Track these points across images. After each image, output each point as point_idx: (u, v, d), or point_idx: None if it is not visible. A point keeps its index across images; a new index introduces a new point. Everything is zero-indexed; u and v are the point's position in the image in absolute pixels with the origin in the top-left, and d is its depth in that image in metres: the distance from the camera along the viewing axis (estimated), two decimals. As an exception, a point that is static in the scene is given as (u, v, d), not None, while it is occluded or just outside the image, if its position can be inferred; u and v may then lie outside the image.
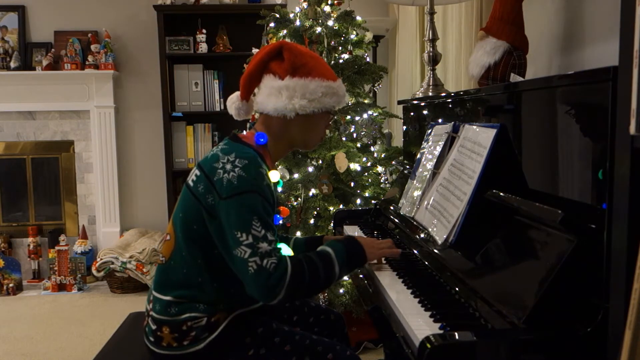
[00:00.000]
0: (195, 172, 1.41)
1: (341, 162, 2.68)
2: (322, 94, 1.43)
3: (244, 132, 1.55)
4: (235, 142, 1.44)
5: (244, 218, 1.30)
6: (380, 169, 2.88)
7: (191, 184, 1.40)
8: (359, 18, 2.92)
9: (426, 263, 1.52)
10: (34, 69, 4.30)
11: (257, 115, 1.56)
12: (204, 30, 4.25)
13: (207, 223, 1.36)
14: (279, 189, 1.59)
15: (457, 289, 1.30)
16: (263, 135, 1.47)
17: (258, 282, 1.29)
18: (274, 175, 1.46)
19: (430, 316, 1.20)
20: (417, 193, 1.77)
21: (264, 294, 1.30)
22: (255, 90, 1.51)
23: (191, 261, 1.39)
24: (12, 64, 4.28)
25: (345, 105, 1.55)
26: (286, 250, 1.55)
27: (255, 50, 2.98)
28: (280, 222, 1.68)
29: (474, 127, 1.53)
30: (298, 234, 2.61)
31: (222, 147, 1.41)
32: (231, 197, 1.31)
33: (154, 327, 1.41)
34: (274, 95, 1.42)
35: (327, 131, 1.58)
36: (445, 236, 1.43)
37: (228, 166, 1.33)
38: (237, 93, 1.54)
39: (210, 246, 1.37)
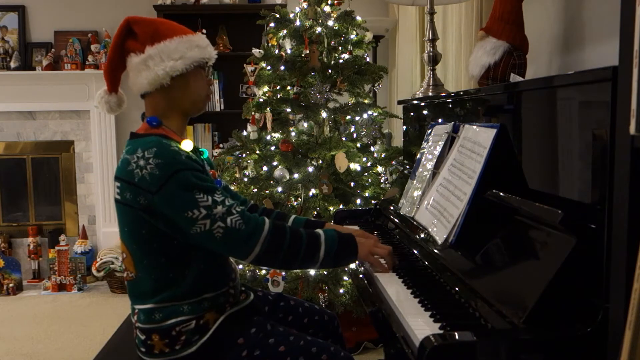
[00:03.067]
0: (116, 185, 1.39)
1: (341, 162, 2.68)
2: (185, 49, 1.44)
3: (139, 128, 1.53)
4: (134, 139, 1.43)
5: (186, 197, 1.31)
6: (380, 169, 2.88)
7: (118, 197, 1.39)
8: (359, 18, 2.92)
9: (426, 263, 1.52)
10: (34, 69, 4.30)
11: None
12: (204, 30, 4.24)
13: (152, 222, 1.35)
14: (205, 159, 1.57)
15: (457, 289, 1.30)
16: (153, 118, 1.46)
17: (230, 242, 1.32)
18: (187, 145, 1.44)
19: (430, 316, 1.20)
20: (417, 193, 1.78)
21: (239, 250, 1.33)
22: (121, 80, 1.52)
23: (155, 264, 1.38)
24: (12, 64, 4.28)
25: (214, 55, 1.56)
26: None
27: (255, 50, 2.98)
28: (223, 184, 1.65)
29: (474, 127, 1.53)
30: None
31: (127, 149, 1.39)
32: (162, 188, 1.31)
33: (143, 337, 1.40)
34: (143, 70, 1.43)
35: (211, 88, 1.58)
36: (445, 236, 1.43)
37: (141, 162, 1.32)
38: (103, 89, 1.54)
39: (165, 241, 1.36)
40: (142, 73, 1.43)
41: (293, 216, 1.75)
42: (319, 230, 1.46)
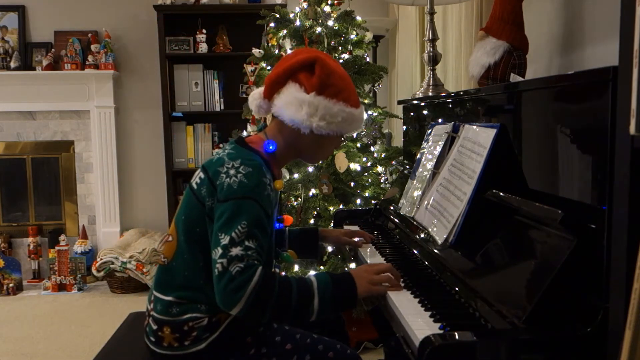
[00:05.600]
0: (199, 175, 1.39)
1: (341, 162, 2.68)
2: (342, 119, 1.40)
3: (252, 135, 1.52)
4: (242, 146, 1.42)
5: (232, 221, 1.27)
6: (380, 169, 2.88)
7: (195, 186, 1.39)
8: (359, 18, 2.92)
9: (426, 263, 1.52)
10: (34, 69, 4.30)
11: (269, 119, 1.53)
12: (204, 30, 4.26)
13: (207, 227, 1.35)
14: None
15: (457, 289, 1.30)
16: (273, 143, 1.44)
17: (219, 285, 1.24)
18: (279, 186, 1.44)
19: (430, 316, 1.20)
20: (417, 193, 1.78)
21: (223, 300, 1.24)
22: (276, 94, 1.46)
23: (193, 264, 1.38)
24: (12, 64, 4.28)
25: (359, 130, 1.55)
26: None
27: (255, 50, 2.98)
28: (284, 227, 1.66)
29: (474, 127, 1.53)
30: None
31: (229, 152, 1.38)
32: (227, 201, 1.30)
33: (155, 327, 1.40)
34: (295, 106, 1.39)
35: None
36: (445, 236, 1.43)
37: (232, 171, 1.32)
38: (261, 89, 1.49)
39: (210, 249, 1.35)
40: (291, 108, 1.39)
41: (286, 229, 1.72)
42: (312, 277, 1.33)
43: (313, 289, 1.30)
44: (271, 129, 1.48)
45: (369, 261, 1.67)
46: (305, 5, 2.89)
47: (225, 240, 1.27)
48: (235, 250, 1.26)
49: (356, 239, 1.83)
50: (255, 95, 1.50)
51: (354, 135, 2.84)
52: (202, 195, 1.35)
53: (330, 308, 1.31)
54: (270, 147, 1.44)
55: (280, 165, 1.51)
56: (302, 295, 1.29)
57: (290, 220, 1.60)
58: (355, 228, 2.09)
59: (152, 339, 1.41)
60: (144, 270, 3.80)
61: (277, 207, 1.57)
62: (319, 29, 2.82)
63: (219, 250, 1.26)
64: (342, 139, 1.52)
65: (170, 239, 1.44)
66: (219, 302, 1.27)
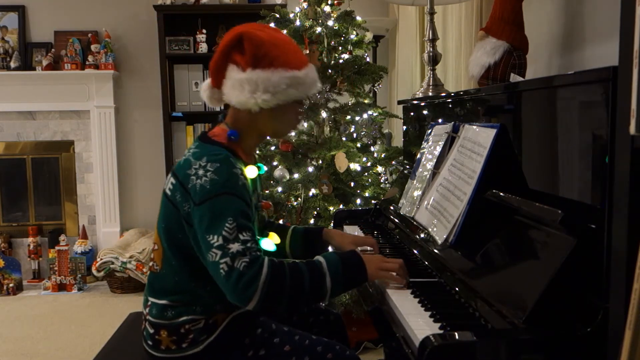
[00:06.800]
0: (171, 180, 1.37)
1: (341, 162, 2.68)
2: (286, 85, 1.35)
3: (215, 128, 1.48)
4: (205, 142, 1.39)
5: (216, 221, 1.26)
6: (380, 169, 2.88)
7: (168, 192, 1.36)
8: (359, 18, 2.92)
9: (426, 263, 1.52)
10: (34, 69, 4.30)
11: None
12: (204, 30, 4.26)
13: (187, 232, 1.33)
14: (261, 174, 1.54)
15: (457, 289, 1.30)
16: (234, 132, 1.41)
17: (230, 284, 1.23)
18: (251, 172, 1.41)
19: (430, 316, 1.20)
20: (417, 193, 1.77)
21: (237, 297, 1.24)
22: (223, 80, 1.43)
23: (180, 270, 1.37)
24: (12, 64, 4.28)
25: (316, 91, 1.48)
26: (268, 244, 1.49)
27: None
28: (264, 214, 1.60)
29: (474, 127, 1.53)
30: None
31: (194, 151, 1.36)
32: (204, 202, 1.28)
33: (151, 330, 1.40)
34: (237, 88, 1.36)
35: (300, 118, 1.49)
36: (445, 236, 1.43)
37: (200, 172, 1.29)
38: (209, 80, 1.47)
39: (195, 254, 1.34)
40: (235, 91, 1.36)
41: (292, 227, 1.71)
42: (320, 258, 1.34)
43: (324, 270, 1.31)
44: (230, 117, 1.45)
45: None
46: (305, 5, 2.89)
47: (218, 241, 1.25)
48: (234, 247, 1.25)
49: (359, 248, 1.80)
50: (204, 87, 1.48)
51: (354, 135, 2.84)
52: (177, 200, 1.33)
53: (342, 286, 1.33)
54: (232, 137, 1.40)
55: (248, 151, 1.47)
56: (314, 277, 1.30)
57: (268, 205, 1.56)
58: (356, 228, 2.10)
59: (150, 342, 1.40)
60: (144, 270, 3.80)
61: (259, 191, 1.55)
62: (319, 29, 2.82)
63: (217, 252, 1.25)
64: (302, 103, 1.45)
65: (156, 247, 1.43)
66: (232, 300, 1.26)
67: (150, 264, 1.44)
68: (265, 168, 1.55)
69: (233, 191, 1.29)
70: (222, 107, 1.47)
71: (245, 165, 1.40)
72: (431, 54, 2.42)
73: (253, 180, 1.46)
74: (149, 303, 1.42)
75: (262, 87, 1.34)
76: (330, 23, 2.84)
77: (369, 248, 1.65)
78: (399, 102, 2.55)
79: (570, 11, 1.87)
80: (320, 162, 2.77)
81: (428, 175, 1.73)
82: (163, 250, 1.40)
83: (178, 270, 1.38)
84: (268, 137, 1.52)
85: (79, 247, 4.20)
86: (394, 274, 1.39)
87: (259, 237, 1.60)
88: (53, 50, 4.34)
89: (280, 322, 1.51)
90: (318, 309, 1.69)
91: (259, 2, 4.32)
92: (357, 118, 2.85)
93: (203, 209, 1.28)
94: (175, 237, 1.36)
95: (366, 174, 2.81)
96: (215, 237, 1.25)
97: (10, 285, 3.94)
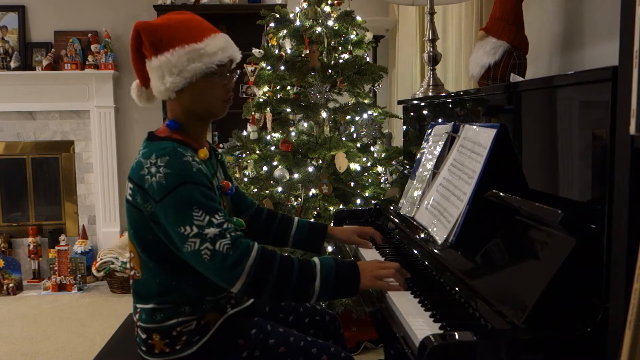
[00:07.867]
0: (128, 186, 1.37)
1: (341, 162, 2.68)
2: (187, 60, 1.34)
3: (160, 127, 1.50)
4: (152, 141, 1.41)
5: (183, 212, 1.26)
6: (380, 169, 2.88)
7: (129, 198, 1.37)
8: (359, 18, 2.92)
9: (426, 263, 1.52)
10: (34, 69, 4.30)
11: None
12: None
13: (156, 231, 1.34)
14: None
15: (457, 289, 1.30)
16: (171, 122, 1.43)
17: (215, 267, 1.24)
18: (204, 154, 1.41)
19: (430, 316, 1.19)
20: (417, 193, 1.77)
21: (224, 278, 1.25)
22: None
23: (159, 271, 1.38)
24: (12, 64, 4.28)
25: (229, 56, 1.44)
26: None
27: (255, 51, 2.98)
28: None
29: (474, 127, 1.53)
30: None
31: (143, 152, 1.37)
32: (165, 198, 1.28)
33: (144, 336, 1.40)
34: (153, 79, 1.39)
35: (227, 88, 1.47)
36: (445, 236, 1.43)
37: (153, 169, 1.30)
38: (137, 81, 1.50)
39: (169, 249, 1.34)
40: (153, 82, 1.39)
41: (296, 219, 1.72)
42: (315, 259, 1.34)
43: (315, 271, 1.30)
44: (168, 111, 1.48)
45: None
46: (305, 5, 2.89)
47: (192, 230, 1.25)
48: (211, 231, 1.26)
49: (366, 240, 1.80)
50: (133, 86, 1.50)
51: (354, 135, 2.84)
52: (138, 203, 1.34)
53: (331, 293, 1.31)
54: (173, 127, 1.42)
55: (196, 136, 1.46)
56: (303, 275, 1.29)
57: (227, 185, 1.55)
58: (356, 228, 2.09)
59: (144, 348, 1.40)
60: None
61: (220, 173, 1.55)
62: (319, 29, 2.82)
63: (195, 240, 1.25)
64: (219, 73, 1.42)
65: (132, 255, 1.44)
66: (218, 281, 1.27)
67: (132, 272, 1.45)
68: (226, 160, 1.55)
69: (189, 179, 1.30)
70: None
71: (196, 151, 1.41)
72: (431, 54, 2.42)
73: (211, 163, 1.47)
74: (138, 309, 1.42)
75: (166, 71, 1.36)
76: (330, 23, 2.84)
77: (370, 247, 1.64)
78: (399, 102, 2.55)
79: (570, 11, 1.87)
80: (320, 162, 2.77)
81: (428, 175, 1.73)
82: (139, 255, 1.40)
83: (157, 272, 1.38)
84: (210, 118, 1.50)
85: (79, 247, 4.20)
86: (391, 279, 1.37)
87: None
88: (53, 50, 4.34)
89: (276, 322, 1.51)
90: (314, 309, 1.68)
91: (259, 2, 4.32)
92: (357, 118, 2.85)
93: (165, 204, 1.28)
94: (146, 240, 1.36)
95: (366, 174, 2.81)
96: (188, 227, 1.26)
97: (10, 285, 3.94)
